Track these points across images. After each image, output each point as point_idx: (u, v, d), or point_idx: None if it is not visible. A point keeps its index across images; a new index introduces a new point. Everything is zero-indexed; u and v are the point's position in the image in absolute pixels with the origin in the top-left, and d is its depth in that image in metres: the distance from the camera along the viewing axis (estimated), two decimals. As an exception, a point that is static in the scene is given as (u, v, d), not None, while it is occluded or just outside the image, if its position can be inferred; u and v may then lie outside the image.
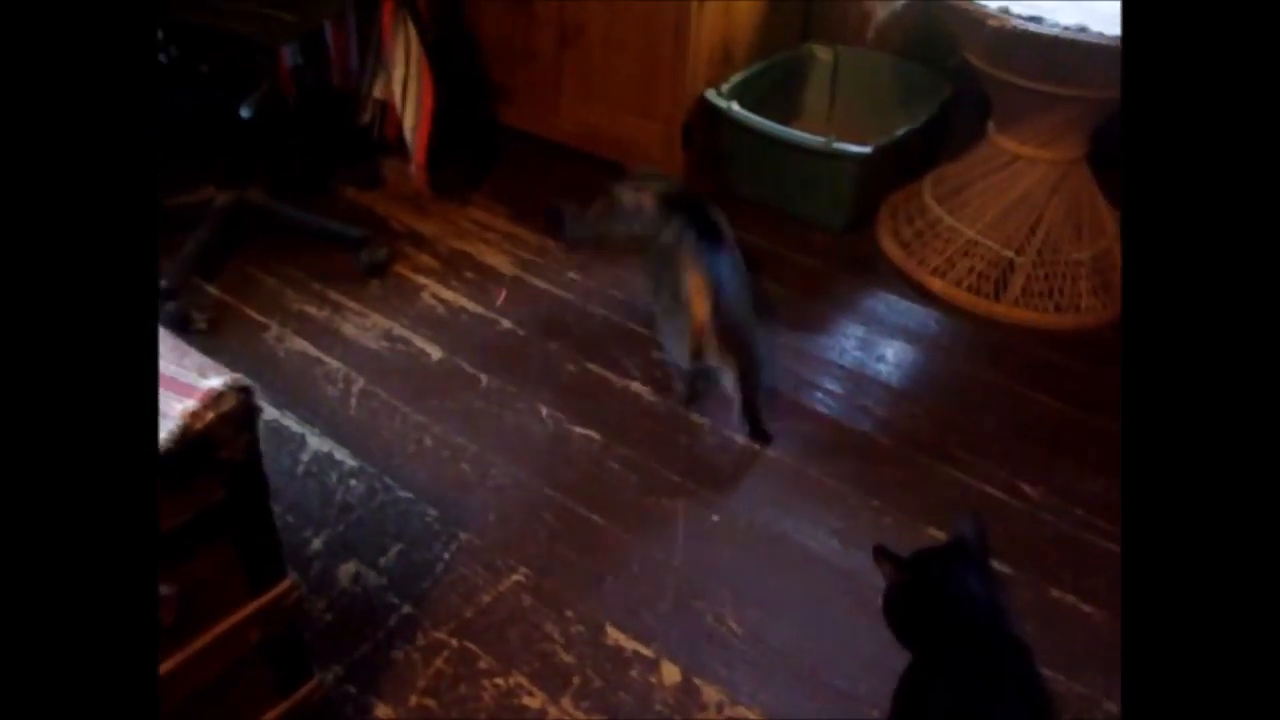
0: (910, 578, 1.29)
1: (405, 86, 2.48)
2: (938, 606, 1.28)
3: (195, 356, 1.16)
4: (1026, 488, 1.90)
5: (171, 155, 2.70)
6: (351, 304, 2.33)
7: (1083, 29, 1.94)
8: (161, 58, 2.18)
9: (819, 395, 2.11)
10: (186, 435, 1.06)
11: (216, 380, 1.10)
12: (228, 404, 1.10)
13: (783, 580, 1.72)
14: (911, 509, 1.85)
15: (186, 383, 1.10)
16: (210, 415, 1.08)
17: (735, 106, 2.57)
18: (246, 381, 1.13)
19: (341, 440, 1.96)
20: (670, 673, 1.57)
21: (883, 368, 2.20)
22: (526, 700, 1.52)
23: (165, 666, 1.16)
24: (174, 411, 1.07)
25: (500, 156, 2.91)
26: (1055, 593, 1.71)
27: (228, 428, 1.10)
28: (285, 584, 1.27)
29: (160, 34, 2.13)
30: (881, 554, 1.30)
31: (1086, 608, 1.68)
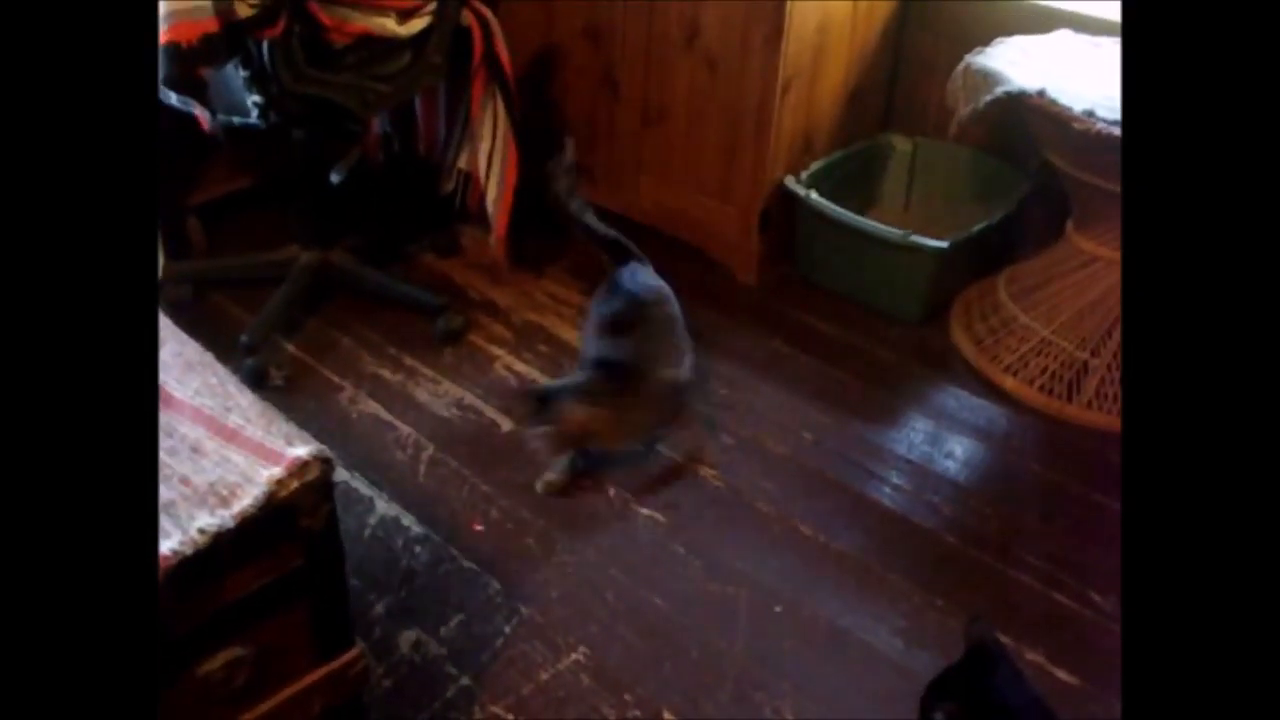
0: (972, 709, 1.27)
1: (490, 159, 2.53)
2: None
3: (282, 424, 1.19)
4: (1096, 597, 1.87)
5: (261, 214, 2.79)
6: (425, 370, 2.37)
7: (1169, 137, 1.94)
8: (260, 123, 2.25)
9: (886, 489, 2.10)
10: (271, 502, 1.08)
11: (303, 449, 1.13)
12: (312, 473, 1.12)
13: (843, 676, 1.70)
14: (977, 611, 1.82)
15: (274, 449, 1.13)
16: (295, 484, 1.10)
17: (813, 195, 2.59)
18: (329, 453, 1.15)
19: (409, 506, 1.98)
20: (726, 764, 1.55)
21: (951, 464, 2.18)
22: (580, 783, 1.51)
23: (231, 728, 1.18)
24: (260, 478, 1.09)
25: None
26: (1123, 708, 1.67)
27: (310, 496, 1.13)
28: (353, 653, 1.28)
29: (262, 100, 2.20)
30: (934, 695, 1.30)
31: (1155, 726, 1.64)
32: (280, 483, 1.09)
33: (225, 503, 1.06)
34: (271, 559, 1.13)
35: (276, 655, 1.19)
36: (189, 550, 1.01)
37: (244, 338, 2.29)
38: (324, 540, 1.17)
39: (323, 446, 1.15)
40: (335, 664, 1.26)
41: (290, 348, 2.41)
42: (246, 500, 1.07)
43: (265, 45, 2.08)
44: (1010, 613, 1.83)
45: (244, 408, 1.21)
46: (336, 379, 2.33)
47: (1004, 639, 1.76)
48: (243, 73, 2.20)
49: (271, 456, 1.12)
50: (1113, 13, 2.46)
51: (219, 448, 1.14)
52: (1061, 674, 1.72)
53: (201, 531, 1.03)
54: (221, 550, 1.04)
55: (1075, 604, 1.85)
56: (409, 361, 2.39)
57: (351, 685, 1.29)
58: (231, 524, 1.05)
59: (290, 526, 1.12)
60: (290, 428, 1.18)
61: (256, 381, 2.23)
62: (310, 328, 2.49)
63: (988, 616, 1.79)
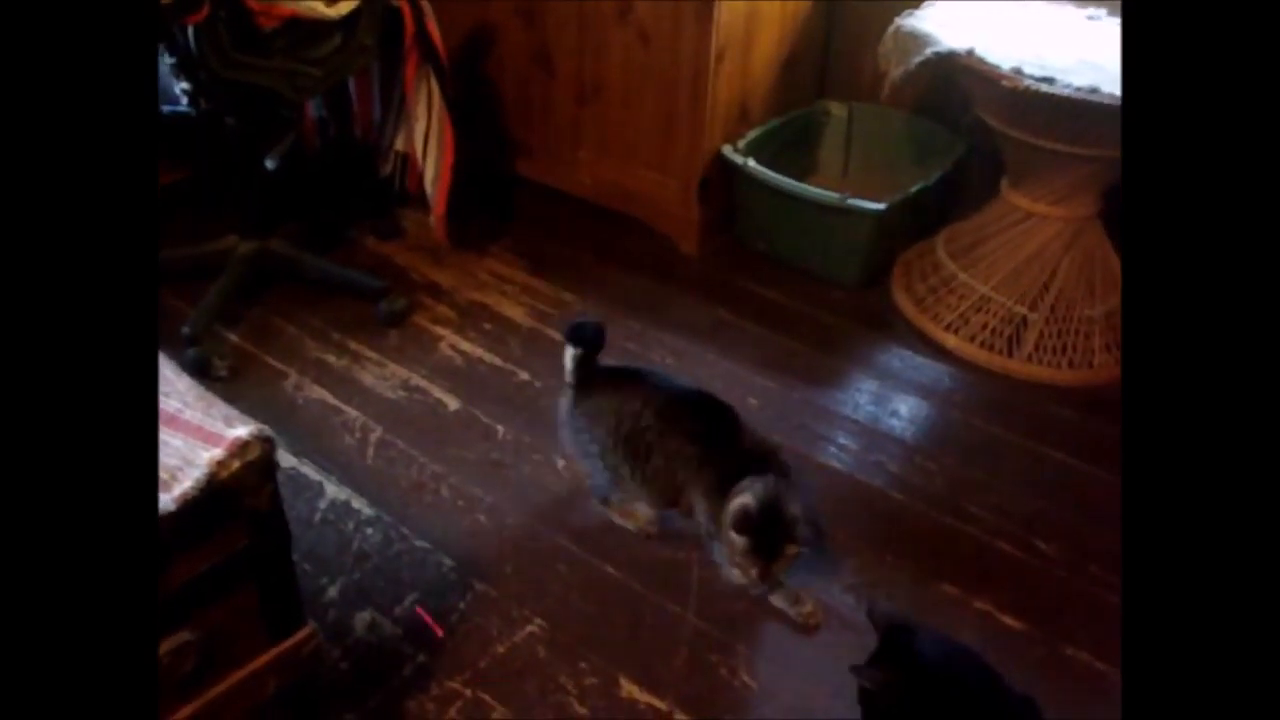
0: (901, 676, 1.30)
1: (427, 140, 2.52)
2: (940, 693, 1.29)
3: (221, 406, 1.18)
4: (1041, 544, 1.90)
5: (196, 204, 2.76)
6: (370, 353, 2.36)
7: (1095, 90, 1.97)
8: (190, 110, 2.22)
9: (833, 450, 2.12)
10: (213, 483, 1.08)
11: (243, 430, 1.12)
12: (253, 453, 1.12)
13: (795, 635, 1.73)
14: (925, 564, 1.85)
15: (214, 431, 1.13)
16: (236, 464, 1.10)
17: (751, 162, 2.61)
18: (269, 432, 1.15)
19: (359, 489, 1.97)
20: (684, 726, 1.57)
21: (896, 423, 2.21)
22: (540, 752, 1.53)
23: (184, 713, 1.18)
24: (201, 460, 1.09)
25: (519, 210, 2.95)
26: (1070, 650, 1.70)
27: (253, 476, 1.12)
28: (305, 632, 1.28)
29: (190, 87, 2.17)
30: (861, 668, 1.32)
31: (1101, 665, 1.68)
32: (221, 464, 1.09)
33: (166, 487, 1.06)
34: (216, 541, 1.13)
35: (226, 638, 1.19)
36: (131, 535, 1.01)
37: (185, 329, 2.27)
38: (269, 519, 1.17)
39: (263, 426, 1.14)
40: (287, 644, 1.25)
41: (233, 337, 2.40)
42: (187, 483, 1.06)
43: (191, 30, 2.05)
44: (958, 564, 1.86)
45: (181, 392, 1.20)
46: (281, 366, 2.31)
47: (952, 590, 1.80)
48: (169, 59, 2.17)
49: (211, 438, 1.12)
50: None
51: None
52: (1008, 619, 1.75)
53: (143, 515, 1.02)
54: (164, 534, 1.04)
55: (1021, 553, 1.89)
56: (353, 346, 2.38)
57: (305, 664, 1.29)
58: (173, 507, 1.04)
59: (234, 507, 1.12)
60: (230, 410, 1.18)
61: (200, 372, 2.21)
62: (252, 317, 2.47)
63: (939, 569, 1.84)
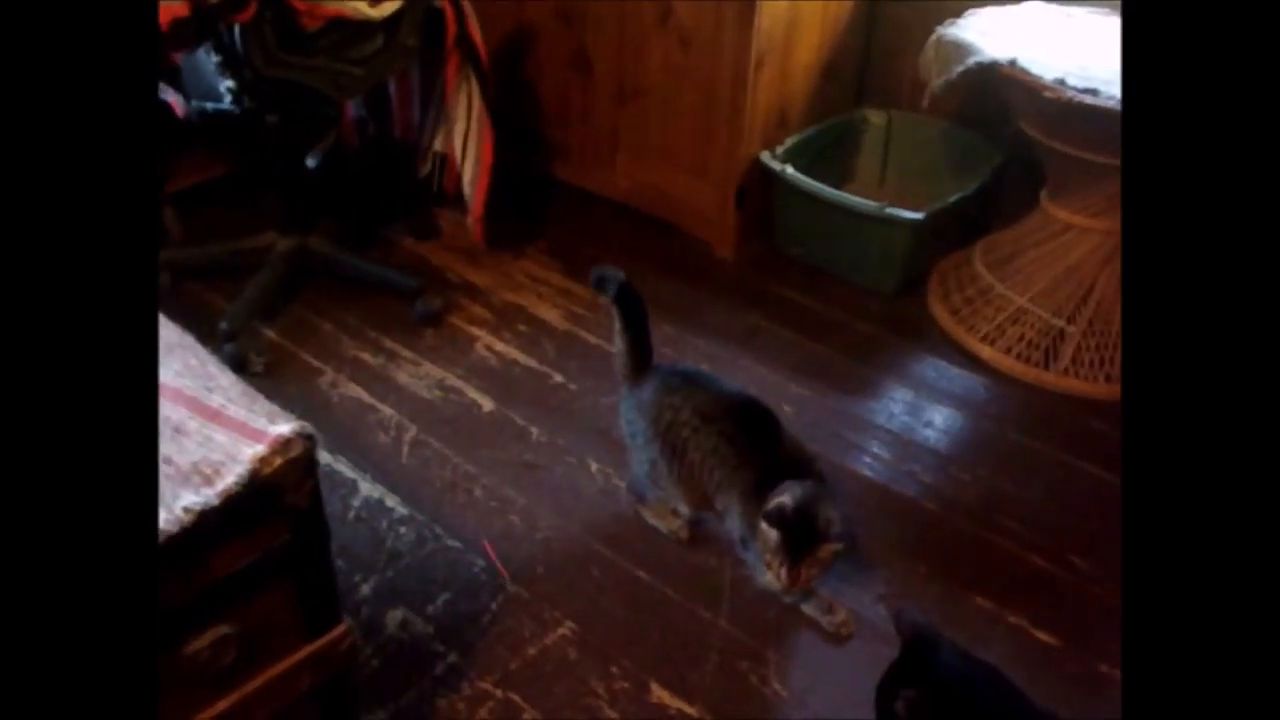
0: (929, 696, 1.29)
1: (465, 141, 2.53)
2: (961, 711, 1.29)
3: (264, 403, 1.19)
4: (1075, 559, 1.89)
5: (237, 201, 2.78)
6: (406, 353, 2.37)
7: (1139, 104, 1.95)
8: (234, 108, 2.24)
9: (866, 459, 2.11)
10: (255, 479, 1.08)
11: (285, 427, 1.13)
12: (295, 450, 1.12)
13: (826, 643, 1.72)
14: (958, 577, 1.85)
15: (256, 428, 1.13)
16: (278, 461, 1.11)
17: (789, 169, 2.60)
18: (311, 429, 1.16)
19: (393, 487, 1.99)
20: (713, 733, 1.57)
21: (930, 433, 2.20)
22: (570, 754, 1.53)
23: (219, 707, 1.18)
24: (244, 456, 1.10)
25: (555, 212, 2.96)
26: (1104, 667, 1.69)
27: (294, 473, 1.13)
28: (340, 629, 1.28)
29: (234, 85, 2.20)
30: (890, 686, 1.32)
31: (1135, 683, 1.66)
32: (264, 460, 1.09)
33: (209, 481, 1.06)
34: (257, 536, 1.13)
35: (263, 633, 1.19)
36: (174, 529, 1.01)
37: (223, 325, 2.29)
38: (309, 517, 1.17)
39: (305, 424, 1.15)
40: (323, 641, 1.26)
41: (270, 334, 2.41)
42: (230, 478, 1.07)
43: (236, 29, 2.07)
44: (990, 576, 1.85)
45: (225, 388, 1.21)
46: (317, 363, 2.33)
47: (984, 603, 1.79)
48: (214, 58, 2.19)
49: (255, 435, 1.12)
50: (1082, -18, 2.48)
51: (201, 427, 1.14)
52: (1042, 635, 1.74)
53: (186, 510, 1.03)
54: (207, 529, 1.04)
55: (1054, 567, 1.87)
56: (389, 344, 2.40)
57: (340, 661, 1.29)
58: (216, 502, 1.05)
59: (275, 504, 1.12)
60: (272, 407, 1.19)
61: (237, 368, 2.23)
62: (289, 313, 2.49)
63: (970, 581, 1.83)
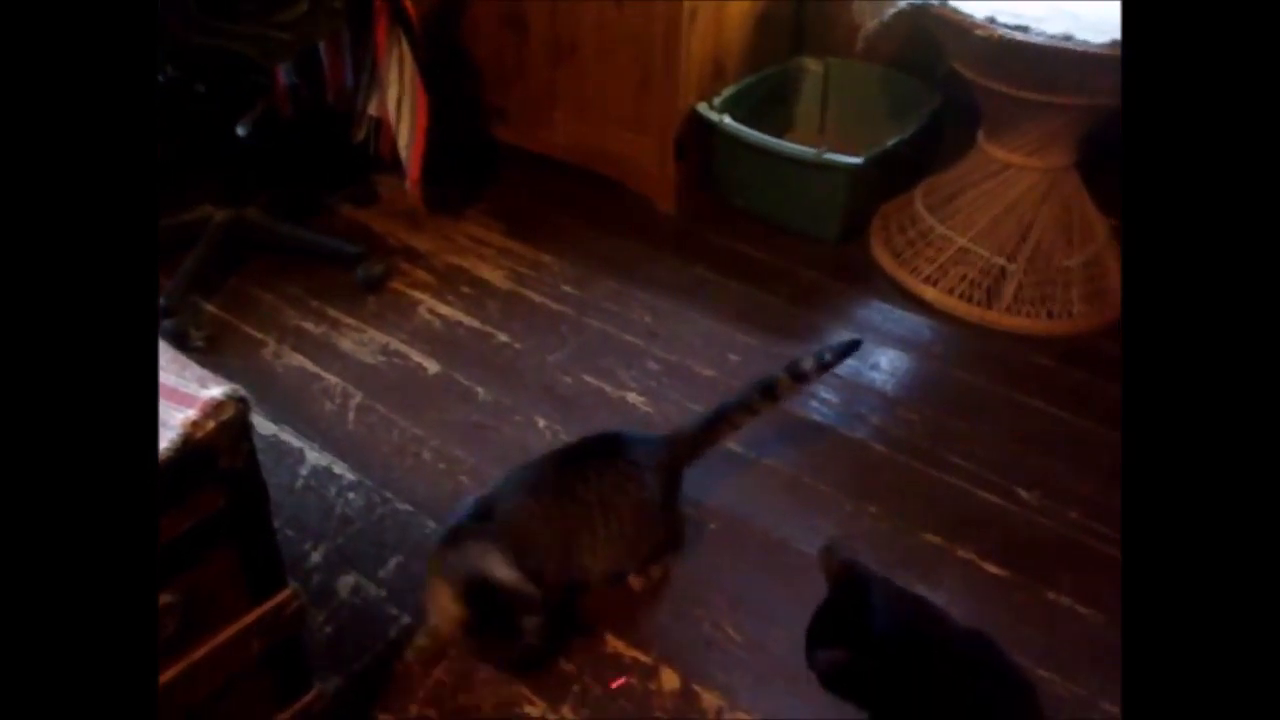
0: (854, 652, 1.31)
1: (400, 104, 2.50)
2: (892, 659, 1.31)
3: (194, 368, 1.17)
4: (1022, 492, 1.91)
5: (169, 174, 2.73)
6: (348, 320, 2.35)
7: (1068, 38, 1.96)
8: (159, 78, 2.20)
9: (814, 404, 2.12)
10: (188, 444, 1.07)
11: (216, 390, 1.11)
12: (227, 413, 1.11)
13: (780, 587, 1.73)
14: (908, 515, 1.86)
15: (187, 393, 1.11)
16: (211, 424, 1.09)
17: (727, 119, 2.59)
18: (243, 391, 1.14)
19: (340, 454, 1.97)
20: (669, 679, 1.58)
21: (877, 376, 2.21)
22: (527, 709, 1.53)
23: (166, 676, 1.17)
24: (175, 421, 1.08)
25: (495, 172, 2.93)
26: (1051, 595, 1.72)
27: (227, 436, 1.11)
28: (286, 593, 1.27)
29: (158, 55, 2.15)
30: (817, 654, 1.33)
31: (1083, 610, 1.69)
32: (195, 424, 1.08)
33: (140, 449, 1.05)
34: (194, 502, 1.12)
35: (207, 599, 1.18)
36: (107, 497, 1.00)
37: (161, 300, 2.25)
38: (245, 479, 1.16)
39: (237, 386, 1.13)
40: (268, 605, 1.25)
41: (210, 307, 2.38)
42: (163, 444, 1.06)
43: (155, -4, 2.03)
44: (940, 513, 1.87)
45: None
46: (259, 335, 2.30)
47: (934, 539, 1.81)
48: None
49: (185, 400, 1.11)
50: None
51: (130, 395, 1.12)
52: (991, 567, 1.76)
53: (119, 478, 1.02)
54: (141, 496, 1.03)
55: (1002, 500, 1.90)
56: (332, 313, 2.37)
57: (288, 625, 1.28)
58: (149, 469, 1.04)
59: (210, 468, 1.11)
60: (203, 371, 1.17)
61: (178, 343, 2.20)
62: (229, 286, 2.46)
63: (921, 519, 1.85)
